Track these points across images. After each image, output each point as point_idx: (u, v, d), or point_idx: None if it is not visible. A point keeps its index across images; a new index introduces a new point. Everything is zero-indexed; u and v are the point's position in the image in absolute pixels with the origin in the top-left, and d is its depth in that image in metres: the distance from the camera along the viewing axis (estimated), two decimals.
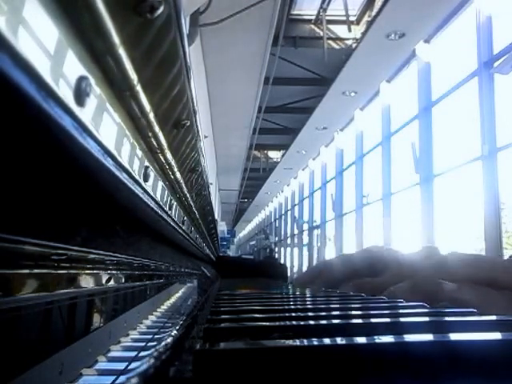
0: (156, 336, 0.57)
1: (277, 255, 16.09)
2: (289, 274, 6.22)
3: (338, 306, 0.59)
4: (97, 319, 0.49)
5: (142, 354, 0.46)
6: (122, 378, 0.37)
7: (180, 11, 0.26)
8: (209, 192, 1.01)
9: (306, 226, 12.39)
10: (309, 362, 0.24)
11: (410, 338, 0.26)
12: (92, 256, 0.38)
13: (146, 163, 0.39)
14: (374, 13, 5.46)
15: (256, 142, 9.05)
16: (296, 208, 13.62)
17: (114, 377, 0.38)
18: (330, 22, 6.32)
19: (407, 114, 6.42)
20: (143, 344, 0.52)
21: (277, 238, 16.36)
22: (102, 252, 0.39)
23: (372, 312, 0.45)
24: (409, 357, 0.24)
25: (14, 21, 0.15)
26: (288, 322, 0.39)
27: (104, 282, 0.45)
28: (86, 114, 0.22)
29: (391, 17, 4.95)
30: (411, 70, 6.31)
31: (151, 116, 0.33)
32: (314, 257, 10.81)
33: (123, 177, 0.32)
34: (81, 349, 0.41)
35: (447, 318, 0.35)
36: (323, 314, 0.43)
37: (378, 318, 0.37)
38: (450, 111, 5.61)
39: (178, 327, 0.53)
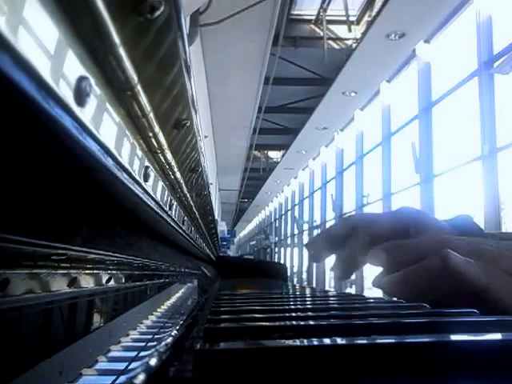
0: (156, 336, 0.57)
1: (276, 255, 16.08)
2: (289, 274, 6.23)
3: (338, 305, 0.59)
4: (97, 319, 0.49)
5: (142, 353, 0.46)
6: (122, 378, 0.37)
7: (180, 11, 0.26)
8: (209, 192, 1.01)
9: (306, 226, 12.38)
10: (309, 361, 0.24)
11: (410, 338, 0.26)
12: (92, 256, 0.38)
13: (146, 163, 0.39)
14: (374, 13, 5.47)
15: (256, 142, 9.05)
16: (296, 208, 13.62)
17: (114, 377, 0.38)
18: (330, 22, 6.32)
19: (407, 114, 6.42)
20: (143, 344, 0.52)
21: (277, 238, 16.35)
22: (102, 252, 0.39)
23: (372, 312, 0.45)
24: (409, 357, 0.24)
25: (14, 21, 0.15)
26: (288, 322, 0.39)
27: (104, 282, 0.45)
28: (86, 113, 0.22)
29: (391, 17, 4.95)
30: (411, 69, 6.31)
31: (151, 116, 0.33)
32: None
33: (123, 177, 0.32)
34: (81, 349, 0.41)
35: (447, 318, 0.35)
36: (323, 314, 0.43)
37: (378, 318, 0.37)
38: (450, 111, 5.60)
39: (178, 327, 0.53)
